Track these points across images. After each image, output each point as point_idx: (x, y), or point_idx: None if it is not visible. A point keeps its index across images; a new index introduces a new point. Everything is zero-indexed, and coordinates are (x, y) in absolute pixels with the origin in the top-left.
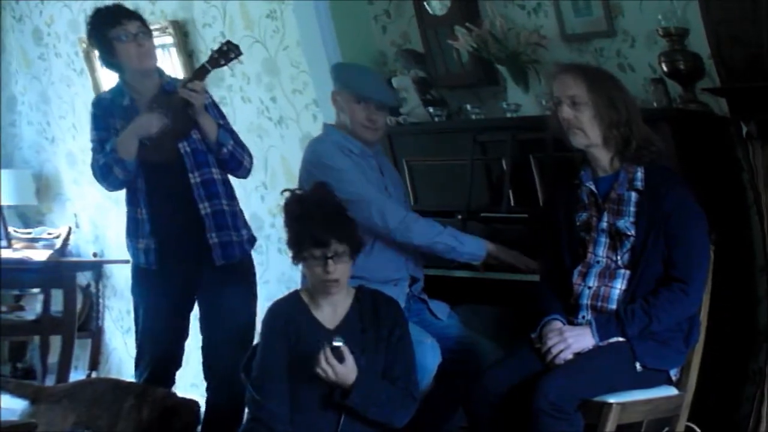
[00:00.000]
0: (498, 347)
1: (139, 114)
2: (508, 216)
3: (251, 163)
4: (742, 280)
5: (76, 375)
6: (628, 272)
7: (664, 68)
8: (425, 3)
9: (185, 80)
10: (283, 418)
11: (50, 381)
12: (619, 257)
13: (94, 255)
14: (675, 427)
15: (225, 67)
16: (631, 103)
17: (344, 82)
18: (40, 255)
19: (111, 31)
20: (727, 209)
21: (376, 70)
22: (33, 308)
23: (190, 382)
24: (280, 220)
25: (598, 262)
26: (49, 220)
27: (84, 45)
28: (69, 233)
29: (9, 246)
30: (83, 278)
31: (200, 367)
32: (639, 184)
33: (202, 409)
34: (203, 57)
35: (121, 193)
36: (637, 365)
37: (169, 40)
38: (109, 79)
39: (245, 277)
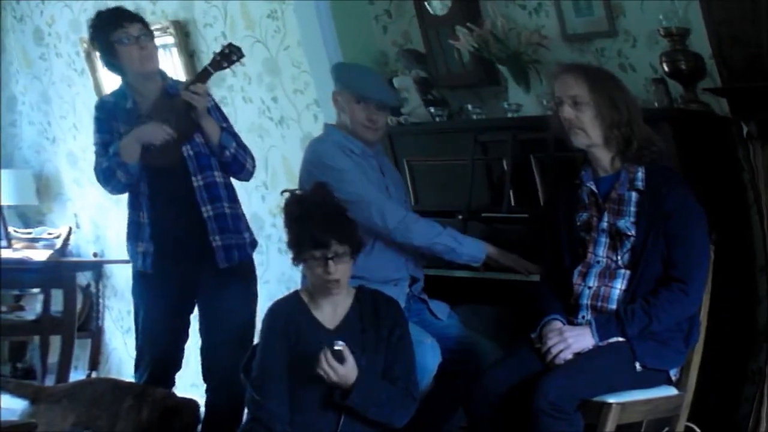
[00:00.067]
0: (498, 347)
1: (142, 117)
2: (508, 216)
3: (254, 165)
4: (743, 280)
5: (76, 375)
6: (628, 272)
7: (666, 68)
8: (426, 3)
9: (188, 83)
10: (282, 419)
11: (50, 381)
12: (619, 257)
13: (95, 255)
14: (675, 427)
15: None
16: (632, 103)
17: (345, 82)
18: (40, 255)
19: (113, 34)
20: (727, 209)
21: (377, 70)
22: (33, 308)
23: (190, 383)
24: (280, 220)
25: (598, 262)
26: (50, 220)
27: (85, 45)
28: (69, 233)
29: (9, 246)
30: (83, 278)
31: (200, 368)
32: (640, 184)
33: (202, 409)
34: (204, 57)
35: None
36: (637, 365)
37: (170, 40)
38: (110, 79)
39: (245, 279)
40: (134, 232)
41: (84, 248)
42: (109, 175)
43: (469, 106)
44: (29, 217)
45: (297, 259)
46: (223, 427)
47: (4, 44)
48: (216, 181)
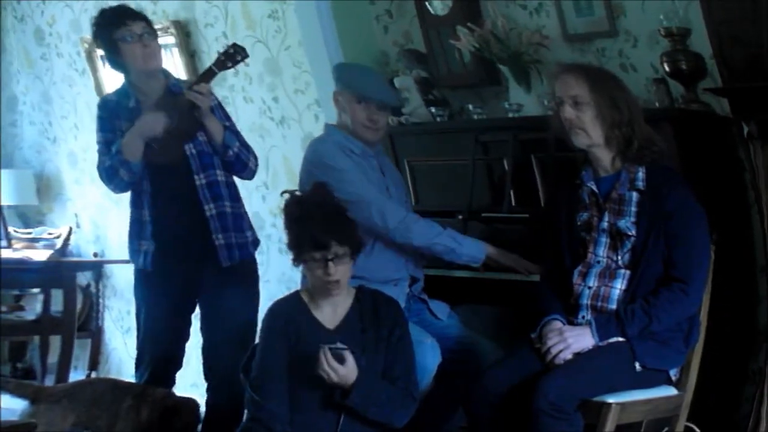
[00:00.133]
0: (498, 347)
1: (143, 115)
2: (509, 216)
3: (256, 164)
4: (743, 280)
5: (76, 375)
6: (628, 272)
7: (666, 68)
8: (427, 3)
9: (191, 82)
10: (282, 419)
11: (50, 381)
12: (619, 257)
13: (95, 255)
14: (674, 427)
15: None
16: (633, 103)
17: (345, 82)
18: (40, 255)
19: (116, 32)
20: (728, 209)
21: (378, 70)
22: (33, 308)
23: (191, 382)
24: (280, 221)
25: (598, 262)
26: (50, 220)
27: (86, 45)
28: (70, 233)
29: (9, 246)
30: (83, 278)
31: (200, 367)
32: (640, 184)
33: (202, 408)
34: (205, 57)
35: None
36: (637, 365)
37: (171, 40)
38: (111, 79)
39: (247, 278)
40: (136, 231)
41: (84, 248)
42: (112, 174)
43: (470, 106)
44: (29, 217)
45: (297, 261)
46: (223, 426)
47: (4, 44)
48: (218, 180)
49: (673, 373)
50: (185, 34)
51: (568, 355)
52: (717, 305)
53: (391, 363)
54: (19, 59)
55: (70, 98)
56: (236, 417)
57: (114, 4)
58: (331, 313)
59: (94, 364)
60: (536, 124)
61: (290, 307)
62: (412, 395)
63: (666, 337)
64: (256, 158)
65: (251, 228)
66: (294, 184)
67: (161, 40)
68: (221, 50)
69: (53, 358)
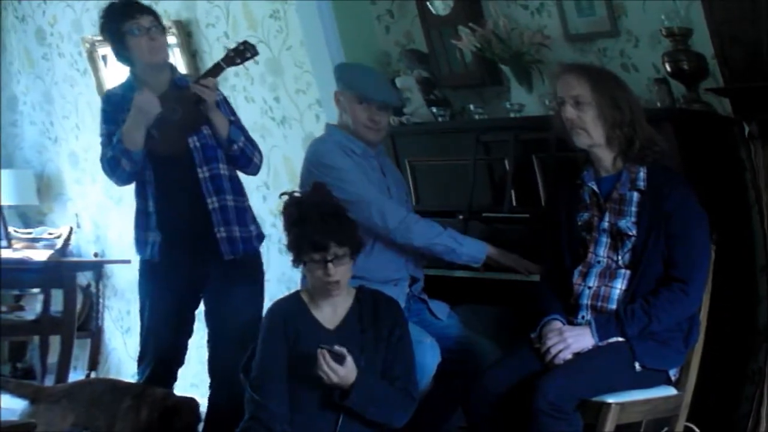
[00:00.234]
0: (498, 347)
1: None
2: (509, 216)
3: (261, 160)
4: (743, 280)
5: (76, 375)
6: (628, 272)
7: (668, 68)
8: (428, 3)
9: (198, 76)
10: (282, 418)
11: (50, 381)
12: (619, 257)
13: (95, 255)
14: (674, 427)
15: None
16: (634, 103)
17: (347, 82)
18: (40, 255)
19: (124, 25)
20: (729, 209)
21: (379, 70)
22: (33, 308)
23: (190, 382)
24: (281, 221)
25: (598, 262)
26: (50, 220)
27: (87, 45)
28: (70, 233)
29: (9, 246)
30: (83, 278)
31: (200, 367)
32: (641, 184)
33: (202, 408)
34: (207, 57)
35: (123, 193)
36: (637, 365)
37: (172, 40)
38: (112, 80)
39: (252, 273)
40: (141, 222)
41: (85, 248)
42: (114, 165)
43: (472, 106)
44: (30, 217)
45: (297, 262)
46: (224, 425)
47: (4, 44)
48: (221, 174)
49: (673, 373)
50: (187, 34)
51: (567, 355)
52: (717, 305)
53: (390, 363)
54: (20, 59)
55: (72, 98)
56: (237, 416)
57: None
58: (331, 313)
59: (93, 364)
60: (537, 124)
61: (290, 307)
62: (411, 395)
63: (666, 337)
64: (261, 154)
65: (255, 222)
66: (295, 185)
67: None
68: (231, 46)
69: (53, 358)
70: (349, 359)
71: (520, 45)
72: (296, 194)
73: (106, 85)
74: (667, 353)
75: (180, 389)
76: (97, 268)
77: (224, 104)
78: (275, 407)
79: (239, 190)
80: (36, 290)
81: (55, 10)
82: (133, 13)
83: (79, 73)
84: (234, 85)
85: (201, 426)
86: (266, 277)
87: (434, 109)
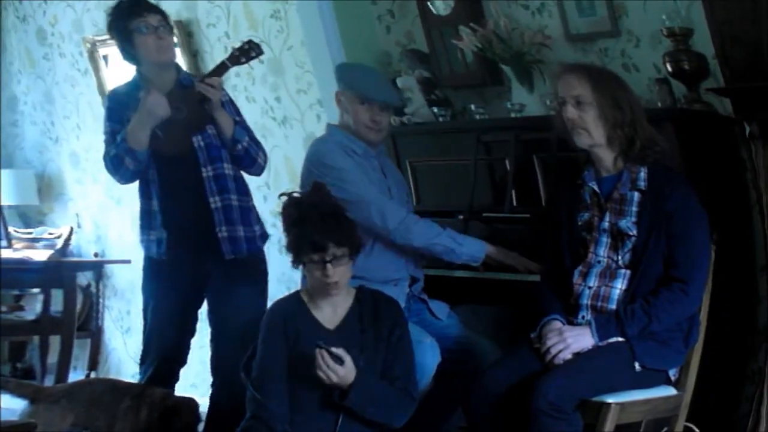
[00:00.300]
0: (497, 347)
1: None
2: (510, 216)
3: (265, 160)
4: (743, 280)
5: (75, 375)
6: (628, 272)
7: (669, 68)
8: (429, 3)
9: (204, 75)
10: (282, 418)
11: (49, 381)
12: (620, 257)
13: (95, 255)
14: (674, 427)
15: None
16: (635, 103)
17: (348, 82)
18: (40, 255)
19: (132, 22)
20: (729, 209)
21: (380, 70)
22: (33, 308)
23: (191, 383)
24: (281, 221)
25: (599, 262)
26: (51, 220)
27: (88, 45)
28: (71, 233)
29: (9, 246)
30: (84, 278)
31: (200, 367)
32: (642, 184)
33: (201, 408)
34: (208, 57)
35: (124, 193)
36: (636, 365)
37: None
38: (113, 79)
39: (255, 273)
40: (146, 221)
41: (85, 248)
42: (117, 163)
43: (473, 106)
44: (30, 217)
45: (296, 262)
46: (226, 423)
47: (5, 44)
48: (225, 173)
49: (673, 373)
50: (187, 34)
51: (567, 355)
52: (717, 305)
53: (390, 363)
54: (20, 59)
55: (73, 98)
56: (238, 415)
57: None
58: (331, 313)
59: (93, 365)
60: (538, 124)
61: (290, 307)
62: (411, 395)
63: (665, 337)
64: (265, 154)
65: (259, 222)
66: (296, 185)
67: None
68: (236, 45)
69: (53, 358)
70: (348, 359)
71: (521, 45)
72: (295, 195)
73: (107, 84)
74: (666, 353)
75: (180, 389)
76: (98, 268)
77: (229, 104)
78: (275, 407)
79: (244, 190)
80: (36, 290)
81: (55, 10)
82: (141, 11)
83: (80, 73)
84: (235, 85)
85: (201, 426)
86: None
87: (435, 109)
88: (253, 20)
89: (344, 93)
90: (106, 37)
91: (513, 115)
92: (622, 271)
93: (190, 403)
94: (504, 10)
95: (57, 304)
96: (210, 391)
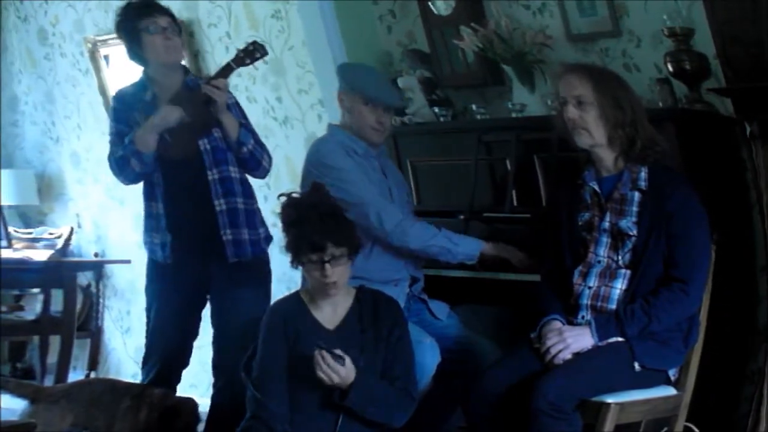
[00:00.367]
0: (497, 347)
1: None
2: (511, 216)
3: (270, 163)
4: (743, 280)
5: (75, 375)
6: (628, 272)
7: (670, 68)
8: (430, 3)
9: (209, 77)
10: (282, 418)
11: (49, 381)
12: (620, 257)
13: (96, 255)
14: (673, 427)
15: None
16: (636, 103)
17: (352, 83)
18: (40, 255)
19: (141, 22)
20: (730, 209)
21: (381, 70)
22: (33, 308)
23: (190, 383)
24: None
25: (599, 261)
26: (51, 220)
27: (89, 45)
28: (71, 233)
29: (9, 246)
30: (84, 278)
31: (200, 368)
32: (642, 184)
33: (201, 408)
34: (209, 57)
35: (124, 193)
36: (636, 365)
37: None
38: (114, 80)
39: (259, 275)
40: (150, 224)
41: (85, 248)
42: (123, 165)
43: (474, 106)
44: (30, 217)
45: (295, 262)
46: (227, 423)
47: (6, 44)
48: (231, 176)
49: (672, 373)
50: (188, 34)
51: (567, 355)
52: (717, 305)
53: (390, 363)
54: (21, 59)
55: (74, 98)
56: (239, 416)
57: (116, 5)
58: (331, 313)
59: (93, 365)
60: (539, 124)
61: (290, 307)
62: (411, 395)
63: (665, 337)
64: (270, 157)
65: (264, 225)
66: (296, 185)
67: None
68: (241, 47)
69: (53, 358)
70: (348, 359)
71: (522, 45)
72: (294, 195)
73: (108, 85)
74: (666, 353)
75: (179, 389)
76: (98, 268)
77: (235, 107)
78: (275, 407)
79: (249, 193)
80: (36, 290)
81: (56, 10)
82: (151, 12)
83: (81, 73)
84: (236, 85)
85: (201, 426)
86: None
87: (436, 109)
88: (254, 20)
89: (347, 94)
90: (107, 37)
91: (514, 115)
92: (622, 271)
93: (190, 404)
94: (505, 10)
95: (57, 304)
96: (209, 392)
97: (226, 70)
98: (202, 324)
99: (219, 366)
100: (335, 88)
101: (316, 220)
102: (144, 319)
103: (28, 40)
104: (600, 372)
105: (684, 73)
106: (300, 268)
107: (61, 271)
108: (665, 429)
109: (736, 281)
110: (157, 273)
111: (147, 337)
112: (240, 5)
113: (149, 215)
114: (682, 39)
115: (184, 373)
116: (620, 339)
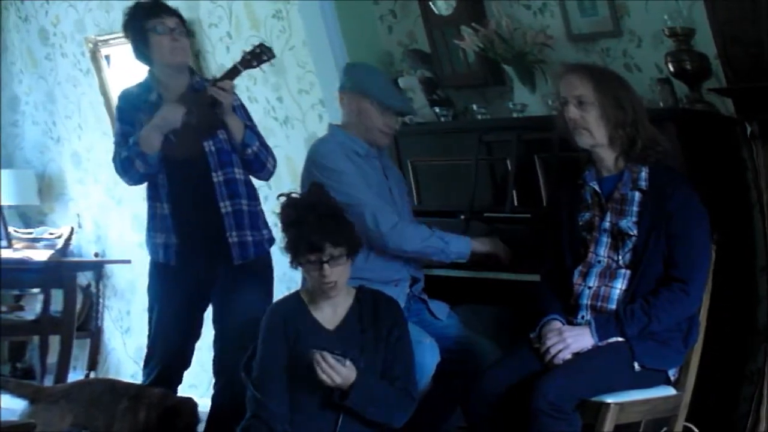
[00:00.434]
0: (497, 347)
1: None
2: (511, 216)
3: (274, 165)
4: (743, 280)
5: (75, 375)
6: (628, 272)
7: (671, 68)
8: (431, 3)
9: (215, 79)
10: (282, 418)
11: (49, 381)
12: (620, 257)
13: (96, 255)
14: (673, 428)
15: None
16: (637, 103)
17: (362, 86)
18: (40, 255)
19: (148, 23)
20: (730, 209)
21: (382, 70)
22: (33, 308)
23: (189, 383)
24: None
25: (599, 261)
26: (51, 220)
27: (90, 45)
28: (71, 233)
29: (9, 246)
30: (84, 278)
31: (199, 368)
32: (643, 184)
33: (201, 408)
34: (210, 57)
35: (125, 193)
36: (636, 365)
37: None
38: (115, 80)
39: (262, 276)
40: (154, 225)
41: (85, 248)
42: (127, 165)
43: (474, 106)
44: (30, 217)
45: (294, 263)
46: (227, 424)
47: (7, 44)
48: (236, 178)
49: (672, 373)
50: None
51: (567, 355)
52: (717, 305)
53: (390, 363)
54: (22, 59)
55: (75, 98)
56: (239, 416)
57: (118, 5)
58: (331, 313)
59: (93, 365)
60: (540, 124)
61: (290, 308)
62: (410, 395)
63: (665, 337)
64: (274, 159)
65: (267, 226)
66: (297, 185)
67: None
68: (248, 49)
69: (53, 358)
70: (348, 359)
71: (523, 45)
72: (293, 195)
73: (109, 85)
74: (666, 353)
75: (179, 390)
76: (98, 268)
77: (240, 109)
78: (275, 407)
79: (253, 194)
80: (36, 290)
81: (57, 10)
82: (159, 12)
83: (82, 73)
84: (237, 85)
85: (201, 426)
86: None
87: (437, 109)
88: (255, 20)
89: (354, 95)
90: (108, 37)
91: (515, 115)
92: (622, 271)
93: (190, 404)
94: (506, 10)
95: (57, 304)
96: (210, 392)
97: (232, 73)
98: (204, 325)
99: (221, 367)
100: (336, 88)
101: (314, 220)
102: (144, 319)
103: (29, 40)
104: (600, 372)
105: (685, 73)
106: (299, 268)
107: (61, 271)
108: (665, 429)
109: (736, 281)
110: (159, 273)
111: (149, 338)
112: (241, 5)
113: (153, 216)
114: (682, 39)
115: (186, 373)
116: (620, 339)
